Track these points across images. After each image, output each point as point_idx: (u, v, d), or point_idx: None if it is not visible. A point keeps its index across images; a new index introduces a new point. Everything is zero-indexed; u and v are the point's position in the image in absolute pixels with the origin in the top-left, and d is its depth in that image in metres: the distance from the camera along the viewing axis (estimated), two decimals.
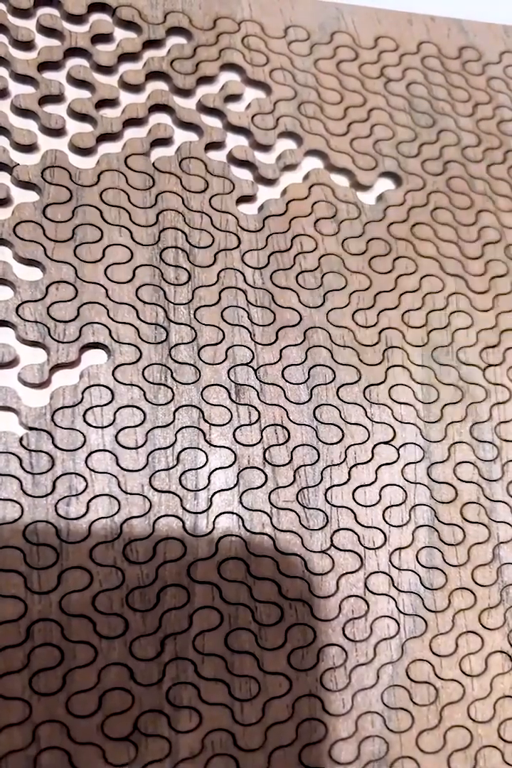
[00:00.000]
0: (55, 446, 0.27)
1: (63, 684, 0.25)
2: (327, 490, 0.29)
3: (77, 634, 0.26)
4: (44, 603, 0.25)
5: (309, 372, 0.30)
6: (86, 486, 0.27)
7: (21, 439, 0.27)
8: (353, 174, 0.34)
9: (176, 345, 0.29)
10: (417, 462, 0.30)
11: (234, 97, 0.34)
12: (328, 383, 0.30)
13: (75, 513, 0.27)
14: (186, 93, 0.33)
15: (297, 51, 0.35)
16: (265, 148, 0.33)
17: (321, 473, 0.29)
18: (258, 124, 0.33)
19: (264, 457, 0.29)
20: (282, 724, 0.27)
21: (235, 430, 0.29)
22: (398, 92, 0.36)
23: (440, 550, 0.30)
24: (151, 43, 0.33)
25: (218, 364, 0.29)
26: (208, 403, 0.29)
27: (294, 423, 0.29)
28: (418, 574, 0.29)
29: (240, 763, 0.26)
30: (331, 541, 0.29)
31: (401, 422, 0.31)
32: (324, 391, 0.30)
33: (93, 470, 0.27)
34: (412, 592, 0.29)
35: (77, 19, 0.33)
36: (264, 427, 0.29)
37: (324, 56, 0.35)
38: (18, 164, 0.30)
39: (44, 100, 0.31)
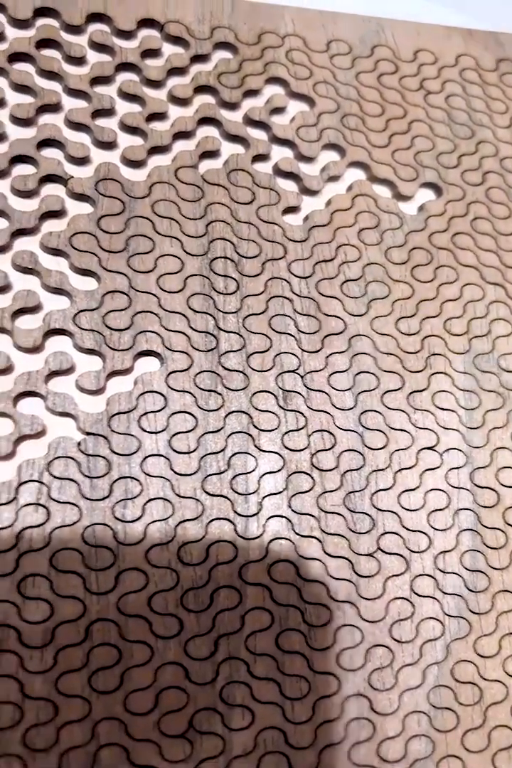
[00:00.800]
0: (112, 451, 0.27)
1: (121, 682, 0.25)
2: (373, 494, 0.29)
3: (134, 633, 0.26)
4: (102, 603, 0.26)
5: (354, 379, 0.30)
6: (141, 489, 0.27)
7: (79, 443, 0.27)
8: (395, 185, 0.34)
9: (226, 352, 0.29)
10: (460, 467, 0.30)
11: (279, 110, 0.34)
12: (373, 390, 0.31)
13: (131, 516, 0.27)
14: (232, 106, 0.33)
15: (340, 64, 0.35)
16: (309, 159, 0.33)
17: (367, 478, 0.29)
18: (303, 136, 0.33)
19: (312, 462, 0.29)
20: (331, 723, 0.27)
21: (283, 436, 0.29)
22: (437, 104, 0.36)
23: (483, 554, 0.30)
24: (199, 58, 0.34)
25: (266, 371, 0.30)
26: (256, 408, 0.29)
27: (340, 428, 0.30)
28: (462, 577, 0.29)
29: (291, 760, 0.26)
30: (378, 544, 0.29)
31: (444, 428, 0.31)
32: (369, 398, 0.30)
33: (148, 474, 0.27)
34: (456, 595, 0.29)
35: (127, 34, 0.33)
36: (312, 433, 0.29)
37: (365, 69, 0.35)
38: (72, 177, 0.30)
39: (96, 113, 0.31)
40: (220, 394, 0.29)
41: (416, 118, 0.35)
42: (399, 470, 0.30)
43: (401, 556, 0.29)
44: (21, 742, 0.24)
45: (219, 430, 0.28)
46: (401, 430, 0.30)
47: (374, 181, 0.34)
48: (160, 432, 0.28)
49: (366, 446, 0.30)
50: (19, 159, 0.30)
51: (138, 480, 0.27)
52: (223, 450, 0.28)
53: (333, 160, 0.34)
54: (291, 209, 0.32)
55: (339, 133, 0.34)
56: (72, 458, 0.27)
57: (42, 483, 0.26)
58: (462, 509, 0.30)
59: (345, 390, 0.30)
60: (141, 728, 0.25)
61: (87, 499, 0.27)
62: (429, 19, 0.37)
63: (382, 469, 0.29)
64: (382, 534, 0.29)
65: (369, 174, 0.34)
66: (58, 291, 0.29)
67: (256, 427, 0.29)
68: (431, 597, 0.29)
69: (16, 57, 0.31)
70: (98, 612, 0.26)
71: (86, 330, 0.28)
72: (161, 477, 0.27)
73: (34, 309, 0.28)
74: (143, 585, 0.26)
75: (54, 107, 0.31)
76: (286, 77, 0.34)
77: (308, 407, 0.30)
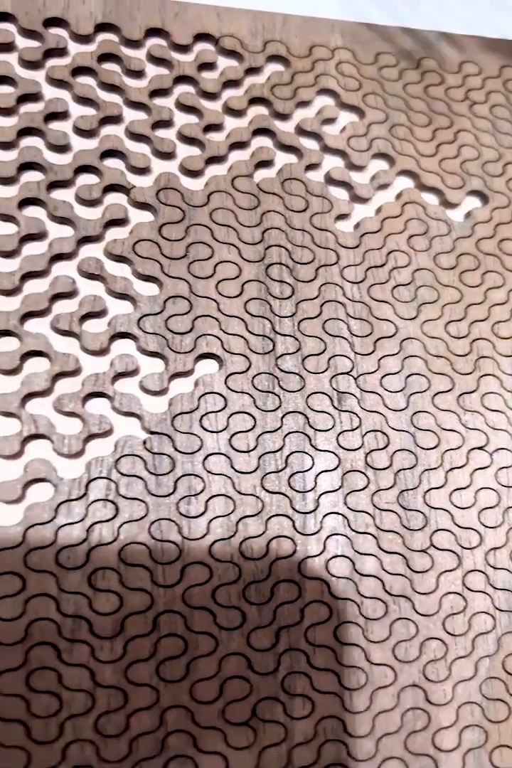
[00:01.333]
0: (176, 449, 0.28)
1: (187, 672, 0.26)
2: (425, 492, 0.30)
3: (199, 625, 0.26)
4: (169, 596, 0.26)
5: (405, 380, 0.31)
6: (204, 486, 0.28)
7: (144, 442, 0.28)
8: (442, 193, 0.34)
9: (282, 355, 0.30)
10: (510, 466, 0.31)
11: (329, 121, 0.34)
12: (424, 391, 0.31)
13: (195, 511, 0.28)
14: (285, 117, 0.34)
15: (388, 76, 0.36)
16: (360, 168, 0.34)
17: (420, 477, 0.30)
18: (353, 146, 0.34)
19: (366, 461, 0.30)
20: (388, 713, 0.27)
21: (338, 435, 0.30)
22: (482, 114, 0.36)
23: None
24: (252, 71, 0.34)
25: (321, 373, 0.30)
26: (312, 409, 0.30)
27: (393, 429, 0.30)
28: None
29: (350, 748, 0.27)
30: (431, 541, 0.29)
31: (493, 429, 0.31)
32: (421, 399, 0.31)
33: (210, 472, 0.28)
34: (507, 590, 0.30)
35: (184, 48, 0.34)
36: (365, 433, 0.30)
37: (412, 81, 0.36)
38: (134, 186, 0.31)
39: (156, 125, 0.32)
40: (277, 395, 0.29)
41: (462, 128, 0.36)
42: (451, 469, 0.30)
43: (453, 552, 0.29)
44: (93, 728, 0.25)
45: (276, 430, 0.29)
46: (452, 430, 0.31)
47: (422, 189, 0.34)
48: (220, 431, 0.28)
49: (418, 446, 0.30)
50: (83, 169, 0.31)
51: (201, 477, 0.28)
52: (280, 449, 0.29)
53: (383, 168, 0.34)
54: (343, 216, 0.33)
55: (388, 143, 0.34)
56: (138, 456, 0.27)
57: (110, 480, 0.27)
58: (511, 507, 0.30)
59: (398, 391, 0.31)
60: (206, 716, 0.26)
61: (153, 495, 0.27)
62: (474, 31, 0.38)
63: (434, 468, 0.30)
64: (435, 531, 0.30)
65: (417, 182, 0.34)
66: (122, 296, 0.29)
67: (311, 427, 0.29)
68: (482, 592, 0.29)
69: (78, 71, 0.32)
70: (165, 604, 0.26)
71: (150, 333, 0.29)
72: (222, 475, 0.28)
73: (100, 313, 0.29)
74: (207, 578, 0.27)
75: (115, 119, 0.32)
76: (336, 89, 0.35)
77: (362, 408, 0.30)
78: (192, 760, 0.25)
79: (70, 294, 0.29)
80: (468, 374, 0.32)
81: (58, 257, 0.29)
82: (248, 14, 0.35)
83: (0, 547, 0.26)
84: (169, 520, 0.27)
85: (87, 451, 0.27)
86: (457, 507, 0.30)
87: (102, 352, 0.28)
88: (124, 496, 0.27)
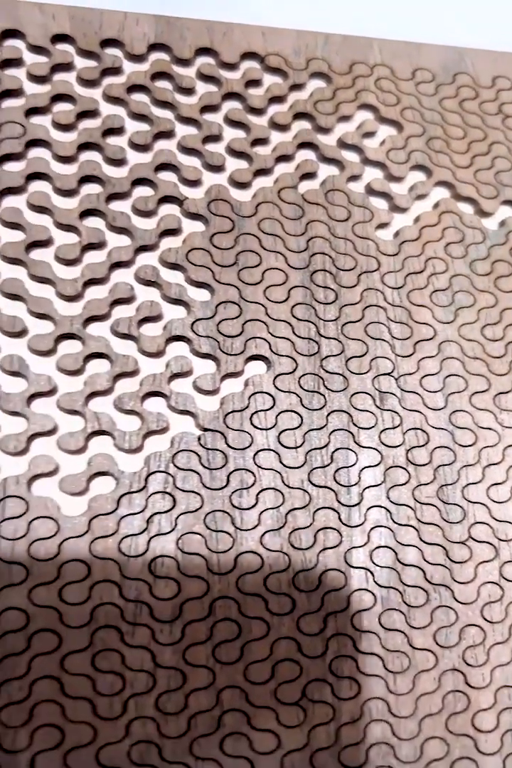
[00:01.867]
0: (228, 445, 0.29)
1: (241, 654, 0.27)
2: (463, 487, 0.31)
3: (252, 610, 0.28)
4: (223, 583, 0.28)
5: (444, 381, 0.32)
6: (255, 480, 0.29)
7: (199, 438, 0.29)
8: (477, 202, 0.36)
9: (326, 357, 0.31)
10: None
11: (370, 134, 0.36)
12: (462, 391, 0.32)
13: (246, 504, 0.29)
14: (327, 131, 0.35)
15: (424, 91, 0.37)
16: (399, 179, 0.35)
17: (458, 472, 0.31)
18: (392, 158, 0.35)
19: (407, 458, 0.31)
20: (430, 695, 0.29)
21: (380, 433, 0.31)
22: None
23: None
24: (296, 87, 0.35)
25: (363, 373, 0.31)
26: (356, 408, 0.31)
27: (432, 427, 0.31)
28: None
29: (394, 728, 0.28)
30: (469, 533, 0.30)
31: None
32: (459, 399, 0.32)
33: (260, 467, 0.29)
34: None
35: (231, 67, 0.35)
36: (406, 431, 0.31)
37: (448, 95, 0.37)
38: (187, 198, 0.32)
39: (206, 139, 0.33)
40: (322, 394, 0.31)
41: (496, 140, 0.37)
42: (488, 466, 0.31)
43: (490, 544, 0.30)
44: (154, 706, 0.26)
45: (322, 428, 0.30)
46: (488, 428, 0.32)
47: (458, 199, 0.35)
48: (269, 428, 0.30)
49: (456, 443, 0.31)
50: (139, 181, 0.32)
51: (251, 472, 0.29)
52: (326, 445, 0.30)
53: (421, 180, 0.35)
54: (383, 225, 0.34)
55: (425, 155, 0.36)
56: (193, 451, 0.29)
57: (168, 473, 0.28)
58: None
59: (436, 391, 0.32)
60: (260, 696, 0.27)
61: (207, 488, 0.28)
62: (506, 47, 0.39)
63: (472, 465, 0.31)
64: (473, 524, 0.31)
65: (453, 192, 0.36)
66: (177, 301, 0.31)
67: (355, 425, 0.31)
68: None
69: (133, 89, 0.34)
70: (220, 590, 0.28)
71: (202, 336, 0.30)
72: (272, 469, 0.29)
73: (156, 318, 0.30)
74: (259, 566, 0.28)
75: (168, 134, 0.33)
76: (376, 104, 0.36)
77: (402, 407, 0.31)
78: (246, 737, 0.26)
79: (128, 300, 0.30)
80: (503, 375, 0.33)
81: (117, 265, 0.30)
82: (291, 34, 0.36)
83: (67, 535, 0.27)
84: (223, 511, 0.28)
85: (146, 447, 0.29)
86: (494, 501, 0.31)
87: (158, 354, 0.30)
88: (180, 489, 0.28)
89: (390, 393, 0.31)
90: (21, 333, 0.28)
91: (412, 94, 0.37)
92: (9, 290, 0.29)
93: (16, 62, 0.32)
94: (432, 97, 0.37)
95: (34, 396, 0.28)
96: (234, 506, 0.28)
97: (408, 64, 0.37)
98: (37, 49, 0.33)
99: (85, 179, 0.31)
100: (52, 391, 0.28)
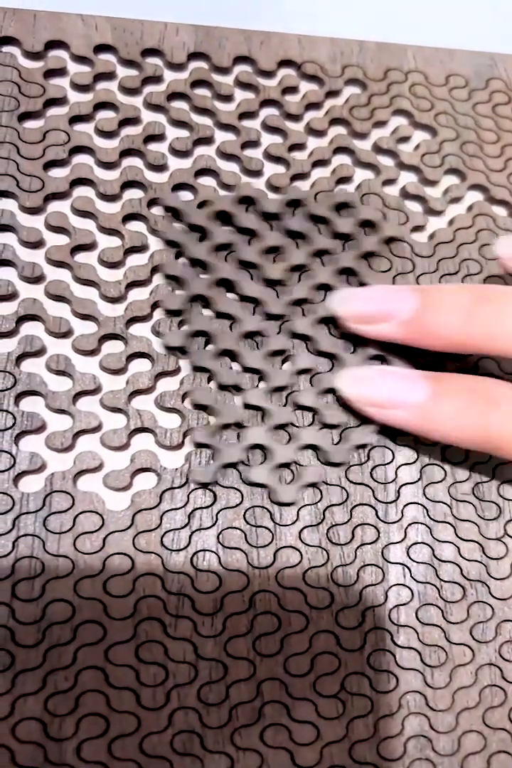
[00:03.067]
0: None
1: (281, 647, 0.27)
2: (499, 485, 0.31)
3: (291, 604, 0.28)
4: (263, 576, 0.28)
5: None
6: (294, 477, 0.29)
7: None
8: (511, 205, 0.35)
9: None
10: None
11: (404, 139, 0.36)
12: None
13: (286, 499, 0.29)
14: (363, 136, 0.35)
15: (458, 96, 0.37)
16: (433, 183, 0.35)
17: (493, 470, 0.31)
18: (427, 162, 0.35)
19: (443, 455, 0.31)
20: (467, 689, 0.28)
21: None
22: None
23: None
24: (332, 94, 0.36)
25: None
26: None
27: None
28: None
29: (431, 721, 0.28)
30: (505, 529, 0.30)
31: None
32: None
33: (299, 464, 0.29)
34: None
35: (269, 74, 0.35)
36: None
37: (481, 100, 0.37)
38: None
39: (244, 145, 0.34)
40: None
41: None
42: None
43: None
44: (196, 697, 0.26)
45: (359, 425, 0.30)
46: None
47: (492, 202, 0.35)
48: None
49: None
50: (179, 187, 0.32)
51: (291, 468, 0.29)
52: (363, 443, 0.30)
53: (455, 183, 0.35)
54: (418, 228, 0.34)
55: (459, 159, 0.36)
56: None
57: None
58: None
59: None
60: (299, 688, 0.27)
61: (247, 484, 0.28)
62: None
63: (506, 463, 0.31)
64: (508, 520, 0.30)
65: (487, 195, 0.36)
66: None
67: None
68: None
69: (173, 96, 0.34)
70: (260, 584, 0.28)
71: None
72: (312, 466, 0.29)
73: None
74: (298, 561, 0.28)
75: (207, 140, 0.33)
76: (410, 109, 0.36)
77: None
78: (286, 729, 0.27)
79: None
80: None
81: (158, 268, 0.30)
82: (327, 41, 0.36)
83: (111, 530, 0.27)
84: (262, 507, 0.28)
85: (186, 444, 0.29)
86: None
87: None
88: (221, 485, 0.28)
89: None
90: (66, 334, 0.29)
91: (446, 99, 0.37)
92: (54, 292, 0.29)
93: (60, 72, 0.33)
94: (466, 102, 0.37)
95: (79, 394, 0.28)
96: (273, 502, 0.28)
97: (442, 70, 0.37)
98: (80, 59, 0.33)
99: (128, 184, 0.32)
100: (96, 390, 0.28)
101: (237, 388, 0.29)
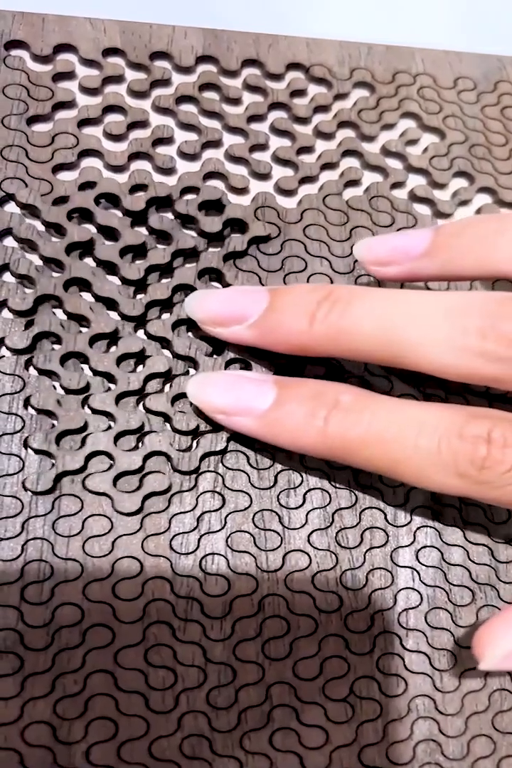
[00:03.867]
0: (276, 447, 0.29)
1: (289, 651, 0.27)
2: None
3: (300, 608, 0.28)
4: (272, 580, 0.28)
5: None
6: (302, 480, 0.29)
7: (249, 439, 0.29)
8: None
9: None
10: None
11: (413, 142, 0.35)
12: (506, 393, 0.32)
13: (294, 503, 0.29)
14: (371, 139, 0.35)
15: (466, 99, 0.37)
16: (442, 186, 0.35)
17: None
18: (435, 165, 0.35)
19: None
20: (476, 693, 0.28)
21: None
22: None
23: None
24: (340, 97, 0.35)
25: (407, 375, 0.31)
26: None
27: None
28: None
29: (441, 725, 0.28)
30: None
31: None
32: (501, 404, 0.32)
33: (307, 467, 0.29)
34: None
35: (277, 77, 0.35)
36: None
37: (489, 103, 0.37)
38: (234, 205, 0.32)
39: (253, 148, 0.33)
40: None
41: None
42: None
43: None
44: (205, 701, 0.26)
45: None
46: None
47: (500, 205, 0.35)
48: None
49: None
50: (187, 190, 0.32)
51: (299, 472, 0.29)
52: None
53: (463, 186, 0.35)
54: None
55: (468, 162, 0.35)
56: (242, 452, 0.29)
57: (217, 473, 0.28)
58: None
59: (480, 393, 0.31)
60: (308, 692, 0.27)
61: (256, 487, 0.28)
62: None
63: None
64: None
65: (495, 198, 0.35)
66: None
67: None
68: None
69: (182, 99, 0.34)
70: (269, 588, 0.27)
71: None
72: (318, 470, 0.29)
73: None
74: (307, 565, 0.28)
75: (216, 143, 0.33)
76: (419, 112, 0.36)
77: None
78: (295, 733, 0.26)
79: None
80: None
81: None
82: (335, 44, 0.36)
83: (120, 533, 0.27)
84: (271, 510, 0.28)
85: (196, 446, 0.29)
86: None
87: (210, 355, 0.30)
88: (229, 488, 0.28)
89: (436, 395, 0.31)
90: (76, 335, 0.28)
91: (454, 102, 0.36)
92: (61, 294, 0.29)
93: (68, 75, 0.33)
94: (474, 105, 0.37)
95: (88, 397, 0.28)
96: (281, 505, 0.28)
97: (450, 73, 0.37)
98: (88, 63, 0.33)
99: (136, 188, 0.31)
100: (106, 392, 0.28)
101: (83, 392, 0.28)
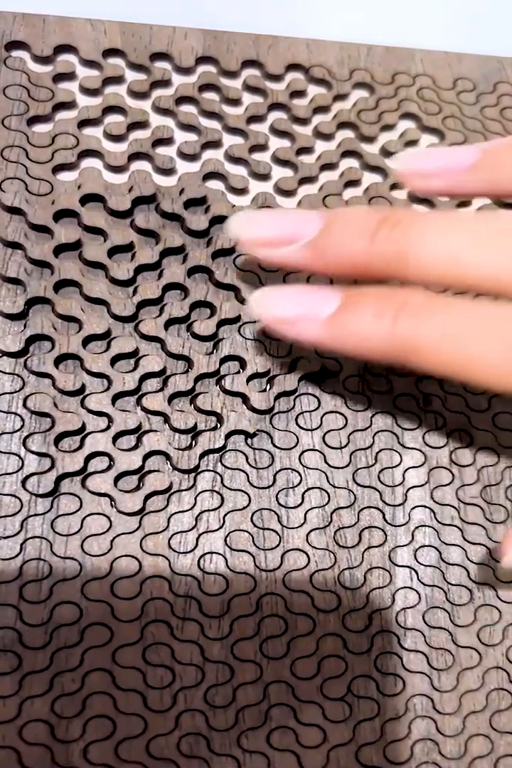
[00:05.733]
0: (274, 445, 0.29)
1: (287, 650, 0.27)
2: (507, 488, 0.30)
3: (298, 607, 0.27)
4: (270, 579, 0.27)
5: None
6: (300, 480, 0.29)
7: (246, 439, 0.29)
8: None
9: None
10: None
11: (412, 143, 0.35)
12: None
13: (292, 503, 0.28)
14: (371, 140, 0.35)
15: (465, 100, 0.37)
16: None
17: (502, 473, 0.30)
18: None
19: (451, 458, 0.30)
20: (474, 692, 0.28)
21: (425, 434, 0.30)
22: None
23: None
24: (340, 97, 0.35)
25: (407, 376, 0.31)
26: (400, 410, 0.31)
27: (476, 429, 0.31)
28: None
29: (438, 724, 0.27)
30: None
31: None
32: (501, 402, 0.32)
33: (305, 466, 0.29)
34: None
35: (277, 78, 0.35)
36: (450, 432, 0.31)
37: (488, 104, 0.37)
38: (235, 206, 0.32)
39: (253, 148, 0.33)
40: (366, 397, 0.30)
41: None
42: None
43: None
44: (203, 700, 0.26)
45: (367, 428, 0.30)
46: None
47: (500, 204, 0.35)
48: (315, 429, 0.29)
49: (500, 445, 0.31)
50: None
51: (297, 471, 0.29)
52: (370, 446, 0.30)
53: None
54: None
55: None
56: (241, 451, 0.29)
57: (216, 472, 0.28)
58: None
59: (480, 393, 0.31)
60: (306, 691, 0.27)
61: (255, 486, 0.28)
62: None
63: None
64: None
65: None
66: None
67: (399, 426, 0.30)
68: None
69: (182, 100, 0.33)
70: (267, 587, 0.27)
71: (249, 340, 0.30)
72: (317, 469, 0.29)
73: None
74: (305, 564, 0.28)
75: (216, 144, 0.33)
76: (418, 113, 0.36)
77: (446, 409, 0.31)
78: (293, 731, 0.26)
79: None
80: None
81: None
82: (335, 45, 0.36)
83: (119, 532, 0.27)
84: (270, 510, 0.28)
85: (194, 446, 0.28)
86: None
87: (208, 355, 0.29)
88: (228, 487, 0.28)
89: (435, 395, 0.31)
90: (75, 335, 0.28)
91: (454, 103, 0.36)
92: (64, 294, 0.29)
93: (69, 76, 0.33)
94: (474, 105, 0.36)
95: (87, 396, 0.28)
96: (280, 505, 0.28)
97: (450, 74, 0.37)
98: (89, 63, 0.33)
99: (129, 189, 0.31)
100: (105, 391, 0.28)
101: (79, 393, 0.28)
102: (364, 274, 0.25)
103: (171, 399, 0.28)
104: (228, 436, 0.28)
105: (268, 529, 0.28)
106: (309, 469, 0.29)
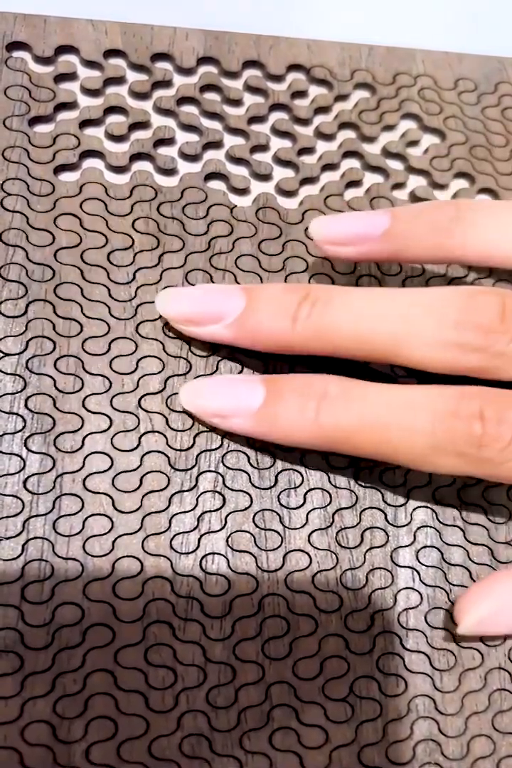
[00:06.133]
0: (276, 446, 0.29)
1: (289, 651, 0.27)
2: (508, 489, 0.30)
3: (300, 608, 0.27)
4: (272, 580, 0.27)
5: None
6: (302, 480, 0.29)
7: (247, 438, 0.29)
8: None
9: None
10: None
11: (413, 143, 0.35)
12: None
13: (294, 503, 0.28)
14: (372, 140, 0.35)
15: (467, 100, 0.37)
16: (442, 187, 0.35)
17: None
18: (436, 166, 0.35)
19: None
20: (476, 693, 0.28)
21: None
22: None
23: None
24: (341, 98, 0.35)
25: (408, 377, 0.31)
26: None
27: None
28: None
29: (440, 725, 0.27)
30: None
31: None
32: None
33: (307, 467, 0.29)
34: None
35: (278, 78, 0.35)
36: None
37: (490, 104, 0.37)
38: (235, 206, 0.32)
39: (254, 149, 0.33)
40: None
41: None
42: None
43: None
44: (205, 700, 0.26)
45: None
46: None
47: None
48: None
49: None
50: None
51: (299, 472, 0.29)
52: None
53: (464, 187, 0.35)
54: None
55: (468, 163, 0.35)
56: (242, 451, 0.28)
57: (218, 473, 0.28)
58: None
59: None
60: (308, 692, 0.27)
61: (256, 487, 0.28)
62: None
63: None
64: None
65: (496, 199, 0.35)
66: None
67: None
68: None
69: (183, 101, 0.34)
70: (269, 587, 0.27)
71: None
72: (319, 470, 0.29)
73: None
74: (307, 564, 0.28)
75: (217, 144, 0.33)
76: (419, 113, 0.36)
77: None
78: (295, 732, 0.26)
79: None
80: None
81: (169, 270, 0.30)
82: (336, 46, 0.36)
83: (121, 533, 0.27)
84: (271, 510, 0.28)
85: (196, 446, 0.28)
86: None
87: (209, 356, 0.29)
88: (230, 488, 0.28)
89: None
90: (76, 336, 0.28)
91: (455, 103, 0.36)
92: (64, 296, 0.29)
93: (70, 77, 0.33)
94: (475, 106, 0.36)
95: (89, 397, 0.28)
96: (282, 505, 0.28)
97: (451, 75, 0.37)
98: (90, 64, 0.33)
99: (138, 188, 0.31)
100: (106, 392, 0.28)
101: (78, 394, 0.28)
102: (289, 351, 0.27)
103: (169, 398, 0.28)
104: (227, 436, 0.28)
105: (270, 529, 0.28)
106: (311, 470, 0.29)
